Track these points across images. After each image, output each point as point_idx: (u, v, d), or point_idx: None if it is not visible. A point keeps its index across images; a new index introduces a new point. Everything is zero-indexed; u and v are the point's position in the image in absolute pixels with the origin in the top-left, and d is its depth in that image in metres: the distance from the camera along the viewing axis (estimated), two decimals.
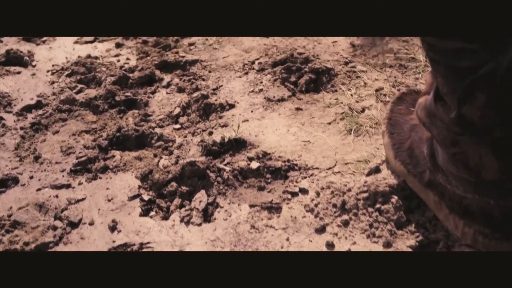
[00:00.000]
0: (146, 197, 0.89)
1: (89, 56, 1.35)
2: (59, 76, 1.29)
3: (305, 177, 0.88)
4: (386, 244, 0.74)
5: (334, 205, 0.81)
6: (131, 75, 1.24)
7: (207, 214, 0.84)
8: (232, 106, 1.10)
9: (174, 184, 0.89)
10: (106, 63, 1.32)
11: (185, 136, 1.03)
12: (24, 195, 0.92)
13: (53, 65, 1.34)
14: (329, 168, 0.89)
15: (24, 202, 0.90)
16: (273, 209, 0.83)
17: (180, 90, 1.18)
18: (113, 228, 0.83)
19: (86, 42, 1.45)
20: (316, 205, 0.82)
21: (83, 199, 0.90)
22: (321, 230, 0.78)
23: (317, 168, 0.89)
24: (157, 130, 1.05)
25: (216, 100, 1.11)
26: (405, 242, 0.74)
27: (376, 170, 0.85)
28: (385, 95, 1.05)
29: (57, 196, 0.92)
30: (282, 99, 1.09)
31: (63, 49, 1.42)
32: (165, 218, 0.84)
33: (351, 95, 1.07)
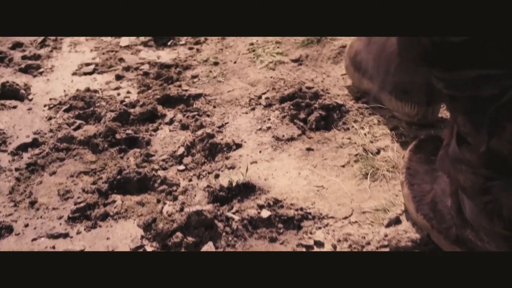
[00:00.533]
0: (149, 249, 0.84)
1: (88, 90, 1.30)
2: (57, 111, 1.24)
3: (319, 228, 0.83)
4: None
5: None
6: (132, 110, 1.20)
7: None
8: (239, 145, 1.05)
9: (179, 234, 0.83)
10: (105, 97, 1.28)
11: (190, 180, 0.98)
12: (19, 246, 0.87)
13: (50, 99, 1.29)
14: (345, 218, 0.84)
15: None
16: None
17: (184, 127, 1.14)
18: None
19: (85, 74, 1.41)
20: None
21: (81, 251, 0.85)
22: None
23: (332, 217, 0.84)
24: (160, 172, 1.00)
25: (222, 139, 1.06)
26: None
27: (396, 221, 0.80)
28: (401, 135, 1.00)
29: (53, 247, 0.86)
30: (291, 138, 1.05)
31: (61, 81, 1.38)
32: None
33: (365, 134, 1.02)
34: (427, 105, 1.02)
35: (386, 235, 0.77)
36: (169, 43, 1.54)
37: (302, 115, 1.10)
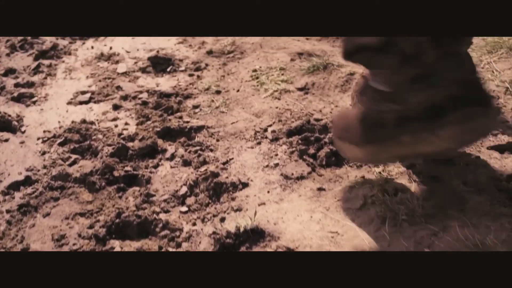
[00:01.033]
0: None
1: (84, 121, 1.25)
2: (51, 144, 1.18)
3: None
4: None
5: None
6: (131, 144, 1.14)
7: None
8: (245, 185, 0.99)
9: None
10: (102, 129, 1.22)
11: (194, 223, 0.92)
12: None
13: (44, 131, 1.24)
14: None
15: None
16: None
17: (186, 163, 1.08)
18: None
19: (81, 103, 1.35)
20: None
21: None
22: None
23: None
24: (162, 215, 0.95)
25: (227, 177, 1.01)
26: None
27: None
28: (419, 173, 0.95)
29: None
30: (301, 177, 0.99)
31: (56, 111, 1.32)
32: None
33: (380, 172, 0.97)
34: None
35: None
36: (168, 69, 1.49)
37: (311, 151, 1.05)
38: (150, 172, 1.07)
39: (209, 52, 1.56)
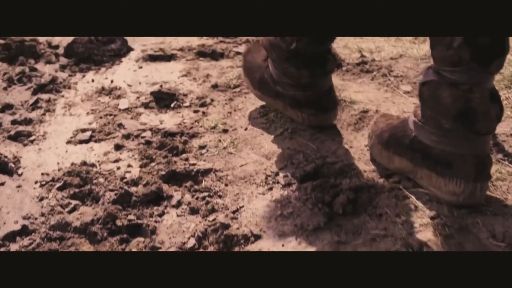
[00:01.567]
0: None
1: (84, 163, 1.19)
2: (49, 189, 1.13)
3: None
4: None
5: None
6: (134, 189, 1.08)
7: None
8: (258, 237, 0.94)
9: None
10: (104, 172, 1.17)
11: None
12: None
13: (42, 174, 1.18)
14: None
15: None
16: None
17: (193, 211, 1.03)
18: None
19: (81, 142, 1.30)
20: None
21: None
22: None
23: None
24: None
25: (237, 228, 0.95)
26: None
27: None
28: (444, 225, 0.89)
29: None
30: (318, 228, 0.94)
31: (54, 151, 1.27)
32: None
33: (402, 224, 0.91)
34: (475, 181, 0.91)
35: None
36: (172, 105, 1.44)
37: (327, 198, 0.99)
38: (155, 221, 1.02)
39: (214, 86, 1.52)
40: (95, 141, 1.30)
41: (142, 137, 1.29)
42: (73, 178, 1.14)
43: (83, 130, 1.35)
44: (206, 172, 1.13)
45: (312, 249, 0.89)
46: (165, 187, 1.09)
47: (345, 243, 0.90)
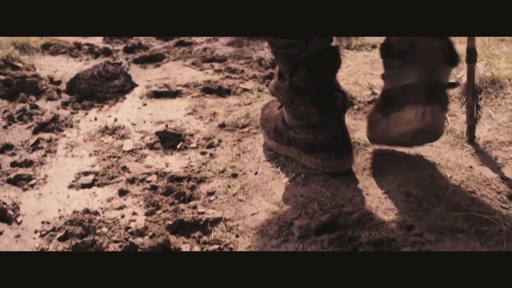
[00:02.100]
0: None
1: (86, 211, 1.14)
2: (50, 240, 1.08)
3: None
4: None
5: None
6: (140, 241, 1.03)
7: None
8: None
9: None
10: (108, 220, 1.12)
11: None
12: None
13: (42, 222, 1.13)
14: None
15: None
16: None
17: None
18: None
19: (83, 186, 1.26)
20: None
21: None
22: None
23: None
24: None
25: None
26: None
27: None
28: None
29: None
30: None
31: (55, 197, 1.22)
32: None
33: None
34: (426, 104, 1.07)
35: None
36: (178, 146, 1.40)
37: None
38: None
39: (222, 126, 1.48)
40: (98, 186, 1.26)
41: (148, 182, 1.25)
42: (75, 227, 1.09)
43: (86, 173, 1.31)
44: (216, 221, 1.08)
45: None
46: (172, 238, 1.04)
47: None
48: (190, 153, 1.37)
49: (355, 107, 1.52)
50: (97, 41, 2.33)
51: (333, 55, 1.14)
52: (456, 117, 1.43)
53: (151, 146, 1.41)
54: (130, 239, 1.03)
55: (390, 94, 1.13)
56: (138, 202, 1.18)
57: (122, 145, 1.42)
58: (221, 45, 2.21)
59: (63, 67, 2.02)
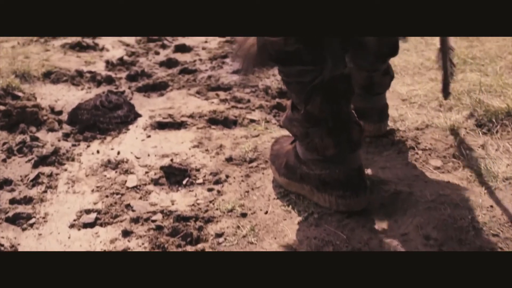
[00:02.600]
0: None
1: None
2: None
3: None
4: None
5: None
6: None
7: None
8: None
9: None
10: None
11: None
12: None
13: None
14: None
15: None
16: None
17: None
18: None
19: (85, 226, 1.21)
20: None
21: None
22: None
23: None
24: None
25: None
26: None
27: None
28: None
29: None
30: None
31: (56, 237, 1.18)
32: None
33: None
34: (379, 122, 1.50)
35: None
36: (184, 182, 1.36)
37: None
38: None
39: (229, 160, 1.44)
40: (101, 225, 1.21)
41: (153, 221, 1.20)
42: None
43: (88, 211, 1.26)
44: None
45: None
46: None
47: None
48: (196, 190, 1.33)
49: (367, 140, 1.48)
50: (99, 68, 2.31)
51: (347, 81, 1.12)
52: (472, 151, 1.39)
53: (155, 182, 1.37)
54: None
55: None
56: (143, 243, 1.13)
57: (125, 181, 1.38)
58: (226, 73, 2.19)
59: (65, 96, 1.99)
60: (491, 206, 1.15)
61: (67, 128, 1.71)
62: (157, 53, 2.54)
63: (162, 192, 1.33)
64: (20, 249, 1.15)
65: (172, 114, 1.77)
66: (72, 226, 1.22)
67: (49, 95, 1.98)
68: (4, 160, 1.53)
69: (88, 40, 2.63)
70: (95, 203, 1.30)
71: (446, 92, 1.42)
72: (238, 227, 1.15)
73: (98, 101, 1.77)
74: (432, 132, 1.50)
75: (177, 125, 1.69)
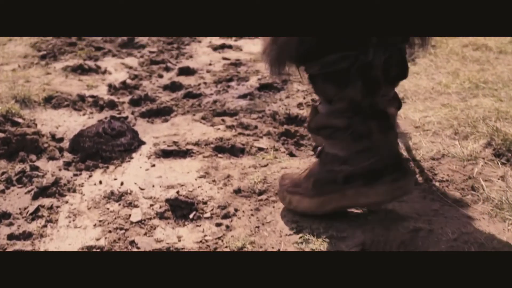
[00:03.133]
0: None
1: None
2: None
3: None
4: None
5: None
6: None
7: None
8: None
9: None
10: None
11: None
12: None
13: None
14: None
15: None
16: None
17: None
18: None
19: None
20: None
21: None
22: None
23: None
24: None
25: None
26: None
27: None
28: None
29: None
30: None
31: None
32: None
33: None
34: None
35: None
36: (191, 216, 1.30)
37: None
38: None
39: (237, 191, 1.39)
40: None
41: None
42: None
43: (90, 248, 1.21)
44: None
45: None
46: None
47: None
48: (204, 225, 1.27)
49: None
50: (102, 92, 2.27)
51: (389, 64, 1.11)
52: (492, 183, 1.34)
53: (161, 216, 1.32)
54: None
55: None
56: None
57: (129, 215, 1.32)
58: (232, 98, 2.15)
59: (66, 122, 1.94)
60: None
61: (68, 156, 1.67)
62: (160, 76, 2.51)
63: (168, 227, 1.28)
64: None
65: (177, 141, 1.72)
66: None
67: (50, 121, 1.94)
68: (2, 191, 1.47)
69: (90, 63, 2.60)
70: (97, 239, 1.24)
71: None
72: None
73: (100, 128, 1.72)
74: (448, 162, 1.46)
75: (182, 153, 1.65)
